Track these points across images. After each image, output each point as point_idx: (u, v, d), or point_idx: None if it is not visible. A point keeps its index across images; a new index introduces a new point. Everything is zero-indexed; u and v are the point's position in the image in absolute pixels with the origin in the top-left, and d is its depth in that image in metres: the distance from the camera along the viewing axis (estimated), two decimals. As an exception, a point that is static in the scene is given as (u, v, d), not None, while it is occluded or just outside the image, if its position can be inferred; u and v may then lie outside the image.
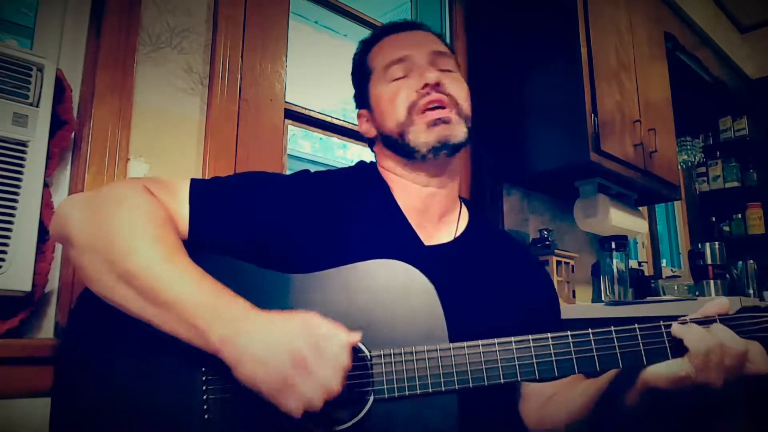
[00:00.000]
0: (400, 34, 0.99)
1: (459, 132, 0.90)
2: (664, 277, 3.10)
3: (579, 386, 0.84)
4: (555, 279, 1.98)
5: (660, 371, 0.66)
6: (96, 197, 0.77)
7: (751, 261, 2.62)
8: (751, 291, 2.57)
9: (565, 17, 1.92)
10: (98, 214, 0.74)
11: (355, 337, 0.67)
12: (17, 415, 0.95)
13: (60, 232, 0.77)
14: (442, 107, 0.89)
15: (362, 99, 1.02)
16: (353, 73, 1.05)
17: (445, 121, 0.89)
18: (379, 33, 1.02)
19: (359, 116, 1.03)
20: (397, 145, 0.93)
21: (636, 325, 0.69)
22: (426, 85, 0.90)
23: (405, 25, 1.01)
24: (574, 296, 2.07)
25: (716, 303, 0.69)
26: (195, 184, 0.85)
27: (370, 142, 1.04)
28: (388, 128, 0.94)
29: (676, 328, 0.67)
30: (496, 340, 0.70)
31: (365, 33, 1.06)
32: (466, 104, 0.94)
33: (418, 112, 0.90)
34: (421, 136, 0.89)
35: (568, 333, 0.70)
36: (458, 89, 0.93)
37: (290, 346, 0.64)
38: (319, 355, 0.64)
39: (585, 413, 0.80)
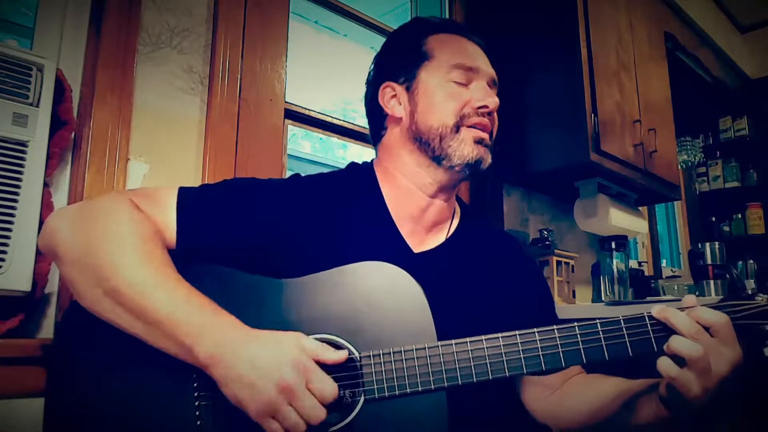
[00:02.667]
0: (470, 43, 0.96)
1: (489, 159, 0.91)
2: (664, 277, 3.10)
3: (598, 385, 0.85)
4: (555, 279, 1.98)
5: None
6: (82, 212, 0.77)
7: (751, 261, 2.62)
8: (750, 291, 2.57)
9: (565, 17, 1.92)
10: (84, 229, 0.74)
11: (342, 355, 0.69)
12: (17, 415, 0.95)
13: (48, 246, 0.77)
14: (486, 131, 0.91)
15: (400, 74, 0.94)
16: (395, 45, 0.99)
17: (485, 145, 0.90)
18: (446, 25, 0.97)
19: (385, 87, 0.95)
20: (428, 144, 0.90)
21: (621, 317, 0.70)
22: (485, 107, 0.89)
23: (472, 35, 0.98)
24: (574, 296, 2.07)
25: (686, 300, 0.70)
26: (182, 193, 0.84)
27: (377, 130, 0.99)
28: (428, 123, 0.90)
29: (657, 309, 0.68)
30: (483, 337, 0.71)
31: (365, 33, 1.05)
32: (494, 136, 0.95)
33: (466, 125, 0.89)
34: (465, 149, 0.88)
35: (554, 327, 0.71)
36: (496, 122, 0.94)
37: (277, 372, 0.65)
38: (306, 382, 0.65)
39: (611, 413, 0.81)
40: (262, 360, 0.65)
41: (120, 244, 0.72)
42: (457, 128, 0.88)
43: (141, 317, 0.69)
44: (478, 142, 0.89)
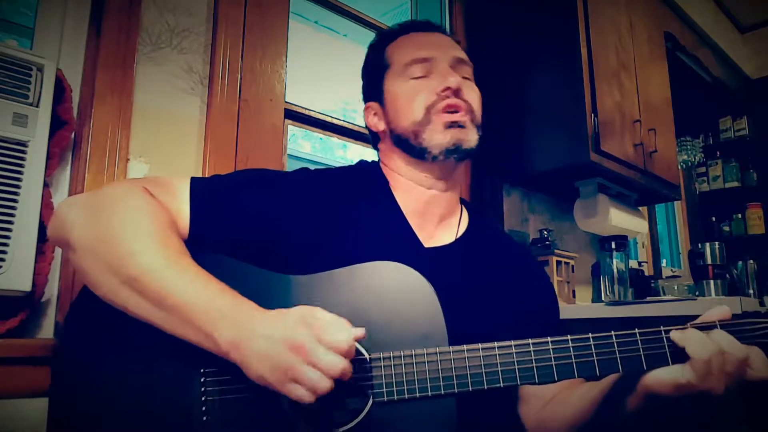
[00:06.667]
0: (423, 34, 0.98)
1: (472, 138, 0.91)
2: (664, 277, 3.10)
3: (580, 388, 0.84)
4: (555, 279, 1.98)
5: (662, 376, 0.67)
6: (95, 199, 0.76)
7: (751, 261, 2.62)
8: (751, 291, 2.57)
9: (565, 17, 1.92)
10: (98, 217, 0.73)
11: (359, 331, 0.65)
12: (17, 415, 0.95)
13: (59, 234, 0.75)
14: (459, 111, 0.90)
15: (373, 92, 1.00)
16: (366, 65, 1.03)
17: (460, 125, 0.90)
18: (401, 29, 1.01)
19: (367, 109, 1.01)
20: (408, 143, 0.92)
21: (636, 330, 0.69)
22: (447, 88, 0.90)
23: (427, 26, 1.01)
24: (574, 296, 2.07)
25: (717, 310, 0.69)
26: (195, 182, 0.84)
27: (375, 139, 1.03)
28: (402, 126, 0.93)
29: (676, 335, 0.67)
30: (496, 344, 0.70)
31: (365, 33, 1.06)
32: (479, 113, 0.95)
33: (436, 113, 0.90)
34: (436, 137, 0.89)
35: (568, 337, 0.69)
36: (474, 97, 0.94)
37: (287, 335, 0.63)
38: (318, 339, 0.63)
39: (587, 416, 0.80)
40: (274, 331, 0.64)
41: (137, 232, 0.71)
42: (428, 120, 0.90)
43: (159, 304, 0.67)
44: (450, 126, 0.89)
